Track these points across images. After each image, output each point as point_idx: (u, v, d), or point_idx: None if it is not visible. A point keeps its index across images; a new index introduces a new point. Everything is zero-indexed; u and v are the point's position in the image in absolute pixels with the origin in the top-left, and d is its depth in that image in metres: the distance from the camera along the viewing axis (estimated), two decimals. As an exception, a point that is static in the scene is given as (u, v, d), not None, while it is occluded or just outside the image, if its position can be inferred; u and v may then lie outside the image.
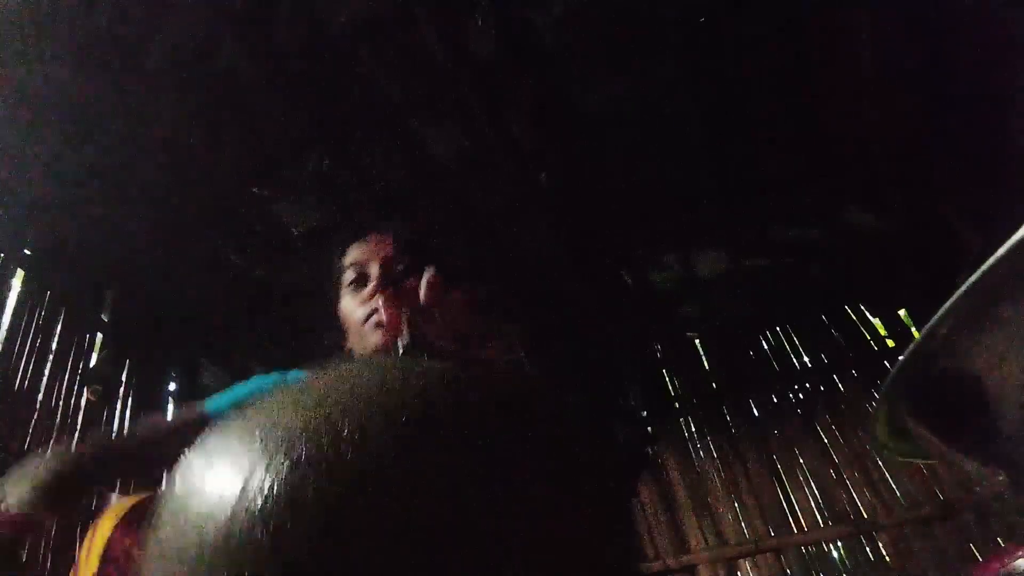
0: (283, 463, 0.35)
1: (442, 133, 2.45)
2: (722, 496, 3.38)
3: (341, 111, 2.31)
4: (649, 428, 3.65)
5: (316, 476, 0.34)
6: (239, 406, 0.45)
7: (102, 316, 2.78)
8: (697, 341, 3.91)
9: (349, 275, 0.97)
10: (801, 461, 3.31)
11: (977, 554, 2.73)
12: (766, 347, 3.70)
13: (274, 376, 0.99)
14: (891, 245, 3.12)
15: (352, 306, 0.93)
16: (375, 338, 0.87)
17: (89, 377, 2.56)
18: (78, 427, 2.44)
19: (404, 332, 0.77)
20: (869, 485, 3.12)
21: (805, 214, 3.09)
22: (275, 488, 0.34)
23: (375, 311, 0.87)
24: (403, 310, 0.81)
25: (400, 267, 0.93)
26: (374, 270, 0.95)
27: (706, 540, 3.30)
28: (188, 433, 0.47)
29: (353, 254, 0.98)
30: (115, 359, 2.72)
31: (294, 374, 0.93)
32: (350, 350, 0.91)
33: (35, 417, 2.26)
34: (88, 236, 2.55)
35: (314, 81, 2.20)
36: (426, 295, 0.78)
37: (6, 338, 2.26)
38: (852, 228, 3.15)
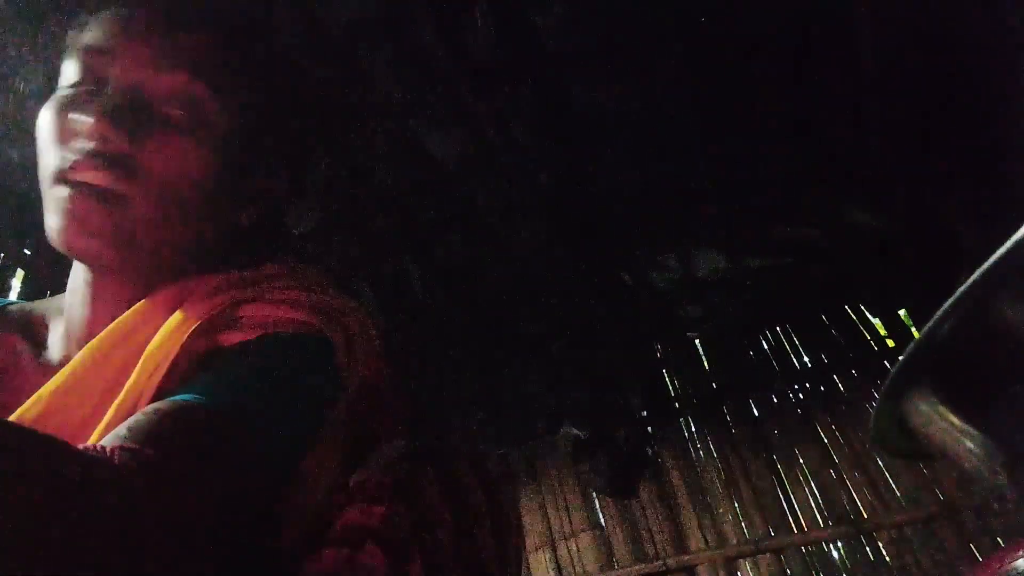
0: None
1: (442, 134, 2.45)
2: (722, 496, 3.38)
3: (341, 111, 2.30)
4: (649, 428, 3.64)
5: None
6: None
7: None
8: (697, 341, 3.91)
9: (72, 69, 0.56)
10: (801, 461, 3.31)
11: (977, 554, 2.73)
12: (766, 347, 3.70)
13: None
14: (891, 245, 3.12)
15: (51, 135, 0.54)
16: (59, 215, 0.51)
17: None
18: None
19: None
20: (869, 485, 3.11)
21: (805, 214, 3.09)
22: None
23: (76, 163, 0.51)
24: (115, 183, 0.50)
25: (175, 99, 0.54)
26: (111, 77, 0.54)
27: (706, 540, 3.30)
28: None
29: (95, 31, 0.56)
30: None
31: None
32: None
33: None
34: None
35: (314, 81, 2.20)
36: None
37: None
38: (852, 228, 3.15)
